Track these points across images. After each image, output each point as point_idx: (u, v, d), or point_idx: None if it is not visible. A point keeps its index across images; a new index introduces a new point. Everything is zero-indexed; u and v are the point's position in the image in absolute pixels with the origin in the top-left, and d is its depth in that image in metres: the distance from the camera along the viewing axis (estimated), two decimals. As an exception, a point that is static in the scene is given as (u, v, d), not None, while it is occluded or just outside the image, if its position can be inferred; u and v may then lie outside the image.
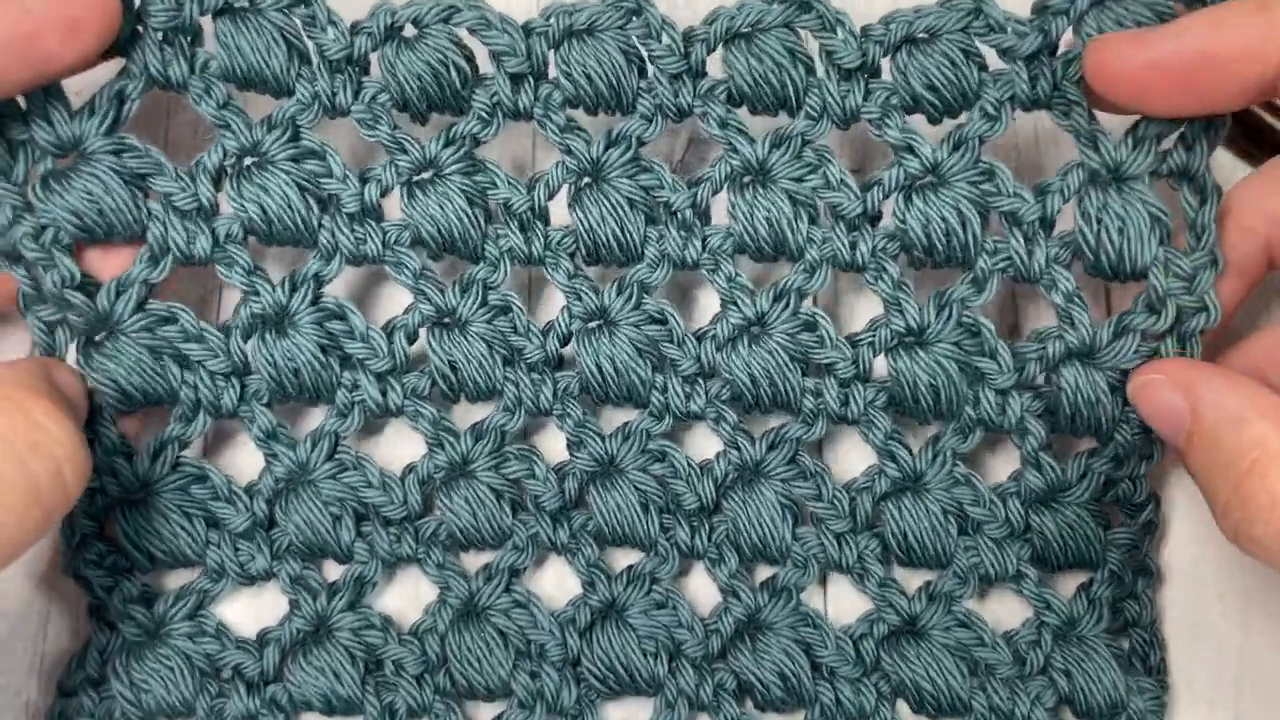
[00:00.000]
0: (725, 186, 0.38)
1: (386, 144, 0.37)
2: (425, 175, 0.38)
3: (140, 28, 0.36)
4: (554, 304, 0.42)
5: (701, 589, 0.40)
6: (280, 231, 0.37)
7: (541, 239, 0.38)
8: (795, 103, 0.37)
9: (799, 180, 0.37)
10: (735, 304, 0.38)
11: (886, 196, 0.37)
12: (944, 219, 0.37)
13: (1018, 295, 0.42)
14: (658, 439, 0.39)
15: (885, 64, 0.37)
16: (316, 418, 0.40)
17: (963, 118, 0.37)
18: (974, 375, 0.38)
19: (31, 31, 0.33)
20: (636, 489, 0.38)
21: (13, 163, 0.37)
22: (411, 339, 0.38)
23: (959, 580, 0.38)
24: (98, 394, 0.37)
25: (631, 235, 0.38)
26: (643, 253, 0.38)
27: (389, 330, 0.38)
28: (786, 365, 0.38)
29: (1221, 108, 0.34)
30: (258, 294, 0.38)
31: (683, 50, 0.37)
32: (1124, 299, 0.38)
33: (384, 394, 0.38)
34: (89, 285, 0.37)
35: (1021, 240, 0.37)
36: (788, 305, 0.38)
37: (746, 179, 0.38)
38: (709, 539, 0.39)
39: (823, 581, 0.41)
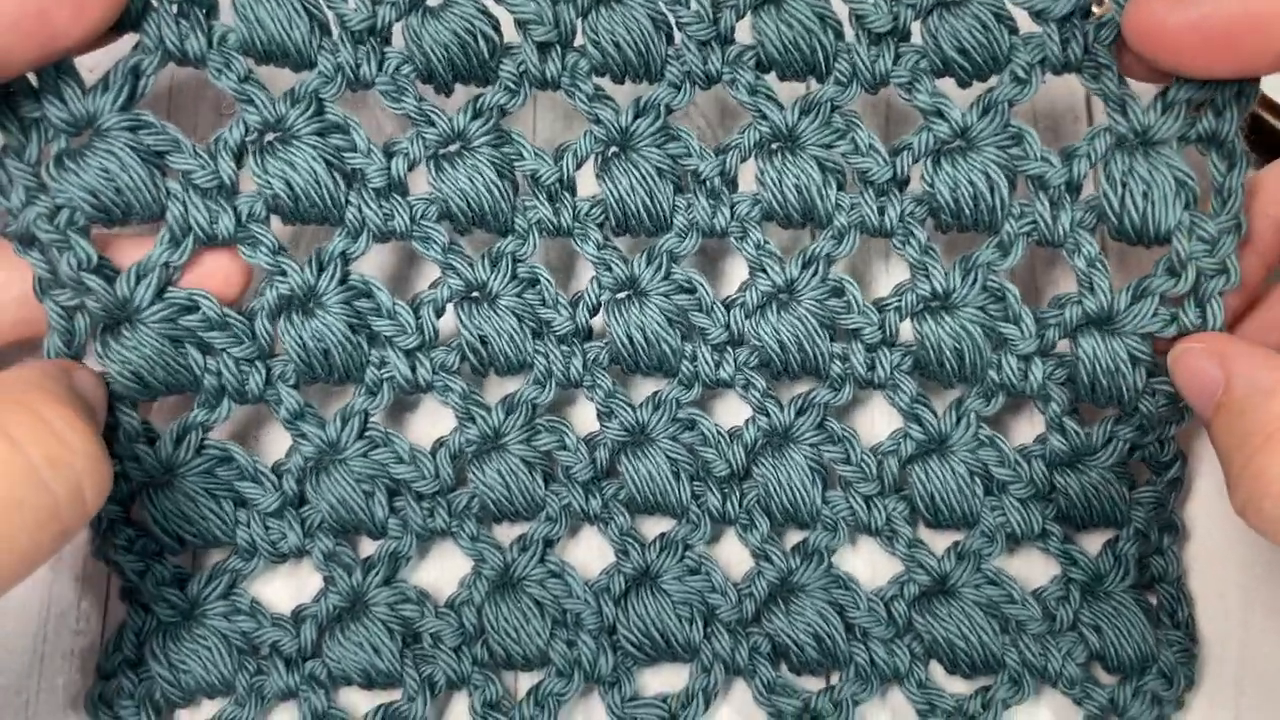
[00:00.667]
0: (753, 154, 0.38)
1: (414, 116, 0.37)
2: (452, 148, 0.37)
3: (154, 1, 0.35)
4: (577, 277, 0.41)
5: (734, 555, 0.40)
6: (307, 208, 0.36)
7: (570, 210, 0.38)
8: (824, 68, 0.37)
9: (828, 146, 0.37)
10: (764, 271, 0.38)
11: (915, 161, 0.37)
12: (972, 183, 0.37)
13: (1037, 263, 0.42)
14: (687, 407, 0.39)
15: (915, 28, 0.37)
16: (340, 397, 0.40)
17: (992, 81, 0.37)
18: (998, 340, 0.38)
19: (41, 8, 0.32)
20: (667, 457, 0.39)
21: (25, 142, 0.35)
22: (438, 314, 0.38)
23: (986, 539, 0.39)
24: (118, 384, 0.36)
25: (661, 204, 0.37)
26: (671, 222, 0.38)
27: (415, 306, 0.38)
28: (816, 331, 0.38)
29: (1261, 70, 0.34)
30: (284, 274, 0.37)
31: (711, 17, 0.36)
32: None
33: (413, 370, 0.38)
34: (106, 269, 0.36)
35: (1047, 204, 0.37)
36: (816, 271, 0.38)
37: (775, 146, 0.37)
38: (740, 505, 0.39)
39: (853, 544, 0.41)
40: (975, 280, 0.38)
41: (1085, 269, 0.37)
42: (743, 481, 0.39)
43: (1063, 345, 0.38)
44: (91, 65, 0.35)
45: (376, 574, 0.39)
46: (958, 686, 0.40)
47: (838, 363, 0.38)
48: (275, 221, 0.37)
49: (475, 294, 0.38)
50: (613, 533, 0.39)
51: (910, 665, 0.39)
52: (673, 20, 0.36)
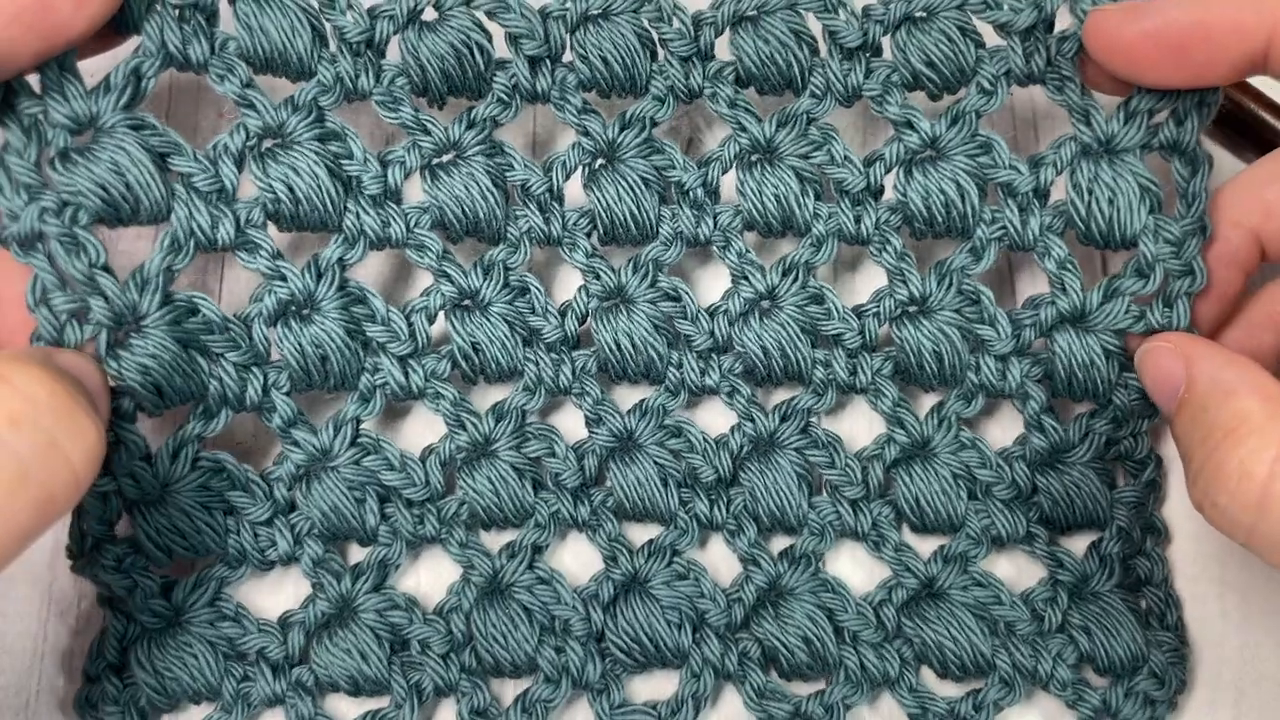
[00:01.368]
0: (734, 165, 0.39)
1: (409, 126, 0.38)
2: (446, 158, 0.38)
3: (157, 4, 0.36)
4: (561, 286, 0.42)
5: (722, 560, 0.41)
6: (307, 213, 0.37)
7: (560, 219, 0.39)
8: (800, 82, 0.39)
9: (805, 157, 0.39)
10: (746, 279, 0.39)
11: (888, 171, 0.39)
12: (943, 191, 0.38)
13: (1013, 268, 0.44)
14: (674, 414, 0.40)
15: (886, 43, 0.39)
16: (327, 405, 0.41)
17: (961, 93, 0.39)
18: (975, 342, 0.39)
19: (43, 1, 0.33)
20: (655, 464, 0.39)
21: (27, 141, 0.35)
22: (430, 321, 0.39)
23: (972, 541, 0.39)
24: (131, 395, 0.36)
25: (647, 214, 0.39)
26: (657, 231, 0.39)
27: (408, 313, 0.39)
28: (797, 337, 0.39)
29: (1213, 80, 0.36)
30: (283, 279, 0.38)
31: (693, 33, 0.38)
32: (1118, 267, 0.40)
33: (406, 376, 0.39)
34: (111, 272, 0.36)
35: (1016, 210, 0.38)
36: (796, 279, 0.39)
37: (754, 157, 0.39)
38: (727, 510, 0.40)
39: (840, 548, 0.41)
40: (950, 284, 0.39)
41: (1056, 271, 0.38)
42: (730, 487, 0.40)
43: (1038, 345, 0.39)
44: (92, 71, 0.36)
45: (365, 581, 0.39)
46: (950, 691, 0.39)
47: (820, 368, 0.39)
48: (270, 229, 0.38)
49: (467, 302, 0.39)
50: (601, 539, 0.39)
51: (901, 669, 0.39)
52: (656, 37, 0.38)
